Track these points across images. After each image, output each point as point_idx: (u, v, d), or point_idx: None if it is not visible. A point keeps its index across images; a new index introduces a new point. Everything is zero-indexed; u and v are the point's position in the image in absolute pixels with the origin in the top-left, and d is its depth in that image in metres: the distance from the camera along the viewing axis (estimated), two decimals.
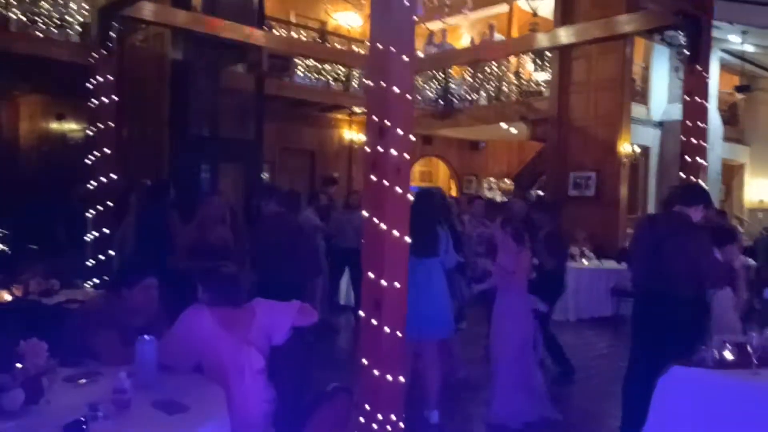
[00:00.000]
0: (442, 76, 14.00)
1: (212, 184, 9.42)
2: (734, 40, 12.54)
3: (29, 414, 2.26)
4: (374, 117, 3.28)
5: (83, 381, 2.67)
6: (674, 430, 3.32)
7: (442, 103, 14.01)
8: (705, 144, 5.73)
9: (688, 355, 3.39)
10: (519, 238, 4.68)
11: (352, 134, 13.71)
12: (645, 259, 4.18)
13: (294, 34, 12.22)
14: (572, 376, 5.96)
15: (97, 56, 6.11)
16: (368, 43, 3.44)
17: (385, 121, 3.21)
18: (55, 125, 11.21)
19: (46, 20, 8.65)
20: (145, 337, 2.70)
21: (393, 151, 3.22)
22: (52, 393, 2.40)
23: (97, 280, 5.79)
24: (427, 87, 14.10)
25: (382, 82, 3.24)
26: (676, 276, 4.02)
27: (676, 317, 3.99)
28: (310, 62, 12.07)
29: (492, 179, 14.90)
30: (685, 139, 5.77)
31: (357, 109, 12.85)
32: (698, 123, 5.73)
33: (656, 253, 4.08)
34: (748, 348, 3.25)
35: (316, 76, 12.42)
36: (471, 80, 13.89)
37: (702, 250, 4.04)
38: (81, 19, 8.89)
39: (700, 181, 5.64)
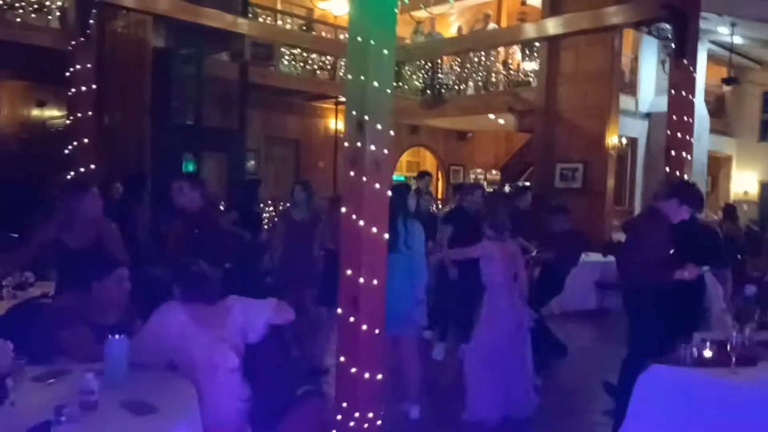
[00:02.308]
0: (430, 65, 13.92)
1: (195, 174, 9.32)
2: (723, 31, 12.54)
3: None
4: (353, 111, 3.23)
5: (52, 381, 2.60)
6: (652, 428, 3.32)
7: (429, 92, 13.94)
8: (691, 138, 5.71)
9: (663, 351, 3.38)
10: (499, 229, 4.54)
11: (338, 124, 13.62)
12: (622, 251, 4.37)
13: (280, 22, 12.07)
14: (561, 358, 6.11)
15: (75, 43, 5.98)
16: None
17: (364, 116, 3.16)
18: (35, 112, 11.04)
19: (24, 5, 8.48)
20: (116, 335, 2.64)
21: (372, 147, 3.17)
22: (19, 393, 2.34)
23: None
24: (415, 76, 14.02)
25: (361, 77, 3.18)
26: (629, 268, 4.16)
27: (639, 308, 4.04)
28: (296, 50, 11.93)
29: (479, 170, 14.89)
30: (670, 133, 5.76)
31: (343, 98, 12.74)
32: (684, 117, 5.72)
33: (626, 245, 4.22)
34: (728, 346, 3.24)
35: (302, 64, 12.28)
36: (459, 70, 13.82)
37: (642, 243, 4.02)
38: (60, 4, 8.72)
39: (686, 176, 5.64)
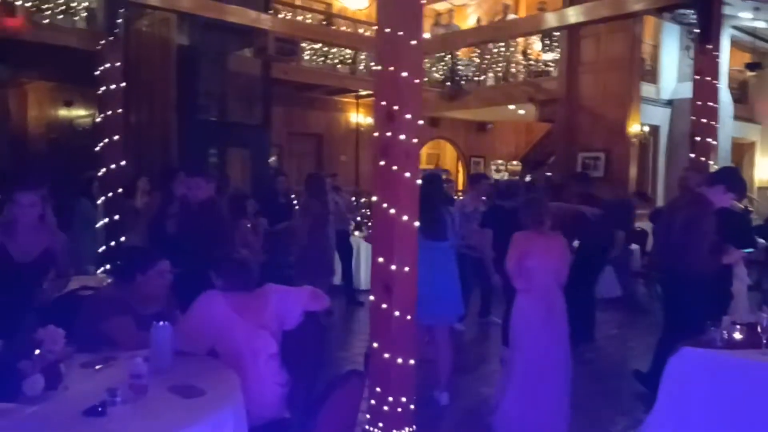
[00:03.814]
0: (450, 57, 13.91)
1: (220, 169, 9.46)
2: (745, 16, 12.35)
3: (49, 399, 2.30)
4: (383, 102, 3.29)
5: (100, 367, 2.71)
6: (683, 411, 3.34)
7: (449, 84, 13.94)
8: (716, 124, 5.69)
9: (696, 335, 3.40)
10: (537, 221, 4.06)
11: (359, 117, 13.69)
12: (660, 236, 4.27)
13: (300, 17, 12.16)
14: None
15: (103, 42, 6.10)
16: (375, 27, 3.42)
17: (394, 106, 3.21)
18: (63, 112, 11.24)
19: (52, 7, 8.65)
20: (160, 323, 2.74)
21: (402, 136, 3.22)
22: (69, 379, 2.44)
23: (108, 266, 5.84)
24: (435, 69, 14.03)
25: (390, 67, 3.24)
26: (672, 252, 4.15)
27: (681, 294, 4.05)
28: (317, 45, 12.01)
29: (500, 161, 14.86)
30: (695, 118, 5.73)
31: (363, 92, 12.81)
32: (709, 103, 5.68)
33: (666, 230, 4.15)
34: (758, 328, 3.25)
35: (323, 59, 12.37)
36: (478, 61, 13.80)
37: (693, 229, 4.00)
38: (87, 4, 8.88)
39: (711, 162, 5.63)
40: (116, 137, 6.19)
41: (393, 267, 3.25)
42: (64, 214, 7.12)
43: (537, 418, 3.93)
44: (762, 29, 13.33)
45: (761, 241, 6.83)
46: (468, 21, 15.17)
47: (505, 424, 4.05)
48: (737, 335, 3.32)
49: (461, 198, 7.41)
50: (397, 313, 3.28)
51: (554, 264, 4.05)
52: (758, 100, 16.02)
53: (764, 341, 3.19)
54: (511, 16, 12.74)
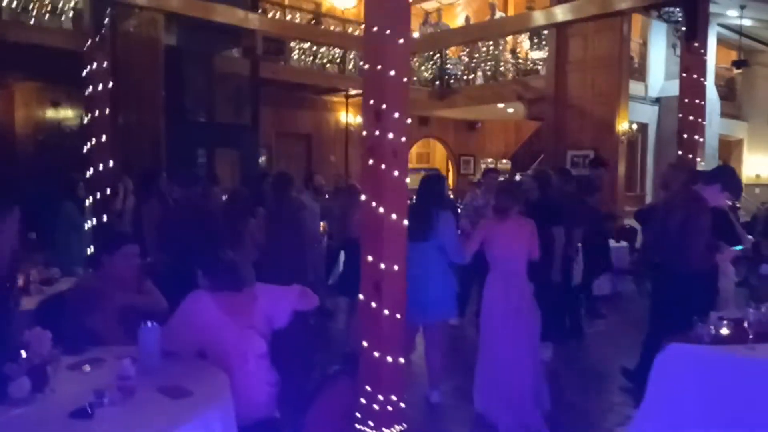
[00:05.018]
0: (439, 56, 13.94)
1: (209, 170, 9.41)
2: (732, 14, 12.46)
3: (35, 402, 2.29)
4: (371, 101, 3.28)
5: (87, 368, 2.69)
6: (671, 406, 3.36)
7: (438, 83, 13.96)
8: (703, 121, 5.73)
9: (685, 331, 3.42)
10: (501, 209, 4.20)
11: (349, 117, 13.67)
12: (654, 233, 4.31)
13: (289, 17, 12.13)
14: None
15: (90, 43, 6.07)
16: (363, 26, 3.42)
17: (382, 105, 3.21)
18: (50, 113, 11.15)
19: (38, 8, 8.58)
20: (148, 323, 2.72)
21: (390, 135, 3.22)
22: (56, 381, 2.43)
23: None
24: (424, 68, 14.04)
25: (378, 66, 3.23)
26: (667, 250, 4.16)
27: (672, 291, 4.07)
28: (306, 45, 11.99)
29: (489, 159, 14.90)
30: (682, 116, 5.78)
31: (353, 91, 12.80)
32: (696, 100, 5.73)
33: (662, 228, 4.17)
34: (745, 324, 3.28)
35: (311, 58, 12.34)
36: (467, 60, 13.83)
37: (690, 227, 4.04)
38: (73, 5, 8.81)
39: (699, 159, 5.68)
40: (104, 138, 6.16)
41: (382, 266, 3.25)
42: (49, 217, 7.10)
43: (510, 402, 4.10)
44: (748, 27, 13.43)
45: (749, 237, 6.89)
46: (457, 20, 15.20)
47: (480, 402, 4.31)
48: (724, 331, 3.35)
49: (474, 192, 7.32)
50: (386, 312, 3.28)
51: (520, 249, 4.15)
52: (745, 97, 16.18)
53: (751, 336, 3.22)
54: (499, 14, 12.77)
